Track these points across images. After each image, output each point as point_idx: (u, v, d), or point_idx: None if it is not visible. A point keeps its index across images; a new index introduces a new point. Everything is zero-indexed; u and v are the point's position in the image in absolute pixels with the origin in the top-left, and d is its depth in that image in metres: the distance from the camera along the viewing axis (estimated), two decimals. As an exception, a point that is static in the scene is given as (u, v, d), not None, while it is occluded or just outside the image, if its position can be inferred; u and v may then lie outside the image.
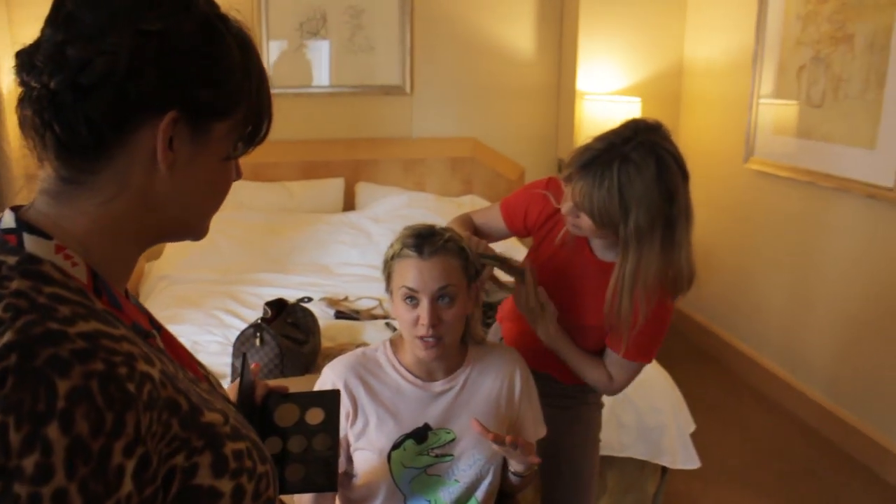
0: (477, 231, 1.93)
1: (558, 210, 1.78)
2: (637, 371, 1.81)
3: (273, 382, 1.24)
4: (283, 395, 1.19)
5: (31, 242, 0.75)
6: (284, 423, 1.17)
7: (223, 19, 0.83)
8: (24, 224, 0.76)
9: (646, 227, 1.53)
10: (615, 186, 1.50)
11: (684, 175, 1.57)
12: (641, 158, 1.50)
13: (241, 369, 1.16)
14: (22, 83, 0.77)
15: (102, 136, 0.76)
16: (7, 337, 0.66)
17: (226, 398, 0.93)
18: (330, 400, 1.20)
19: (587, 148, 1.56)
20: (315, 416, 1.18)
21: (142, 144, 0.78)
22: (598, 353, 1.83)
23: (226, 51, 0.82)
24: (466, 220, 1.95)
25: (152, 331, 0.85)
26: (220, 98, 0.81)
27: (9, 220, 0.77)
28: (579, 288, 1.78)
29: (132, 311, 0.83)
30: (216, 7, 0.84)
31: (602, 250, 1.76)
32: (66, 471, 0.63)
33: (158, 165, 0.79)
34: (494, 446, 1.48)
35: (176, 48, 0.77)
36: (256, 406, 1.16)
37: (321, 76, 4.42)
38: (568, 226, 1.69)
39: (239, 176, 0.91)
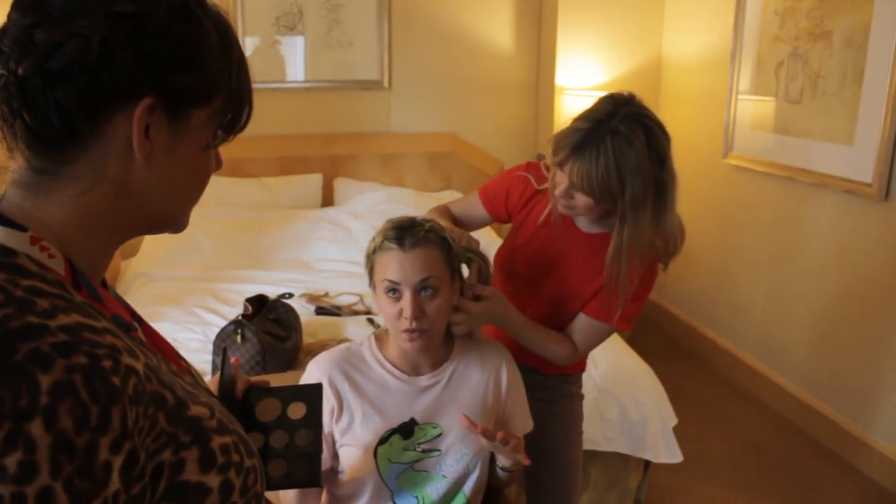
0: (455, 221, 1.93)
1: (538, 191, 1.81)
2: (605, 335, 1.81)
3: (254, 378, 1.21)
4: (265, 390, 1.16)
5: (4, 235, 0.72)
6: (266, 418, 1.14)
7: (200, 3, 0.80)
8: None
9: (640, 195, 1.56)
10: (612, 161, 1.53)
11: (667, 138, 1.61)
12: (630, 130, 1.53)
13: (221, 364, 1.14)
14: None
15: (75, 124, 0.73)
16: None
17: (209, 392, 0.91)
18: (312, 394, 1.18)
19: (574, 130, 1.58)
20: (297, 410, 1.16)
21: (117, 133, 0.74)
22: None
23: (203, 35, 0.78)
24: (444, 211, 1.95)
25: (133, 323, 0.83)
26: (198, 84, 0.78)
27: None
28: (563, 260, 1.79)
29: (112, 304, 0.81)
30: None
31: (587, 224, 1.77)
32: (50, 469, 0.60)
33: (135, 155, 0.76)
34: (483, 441, 1.47)
35: (150, 32, 0.74)
36: (237, 401, 1.13)
37: (298, 71, 4.39)
38: (559, 207, 1.70)
39: (219, 166, 0.88)
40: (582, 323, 1.79)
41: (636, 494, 2.80)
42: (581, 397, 2.02)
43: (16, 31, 0.71)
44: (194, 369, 0.95)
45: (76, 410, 0.62)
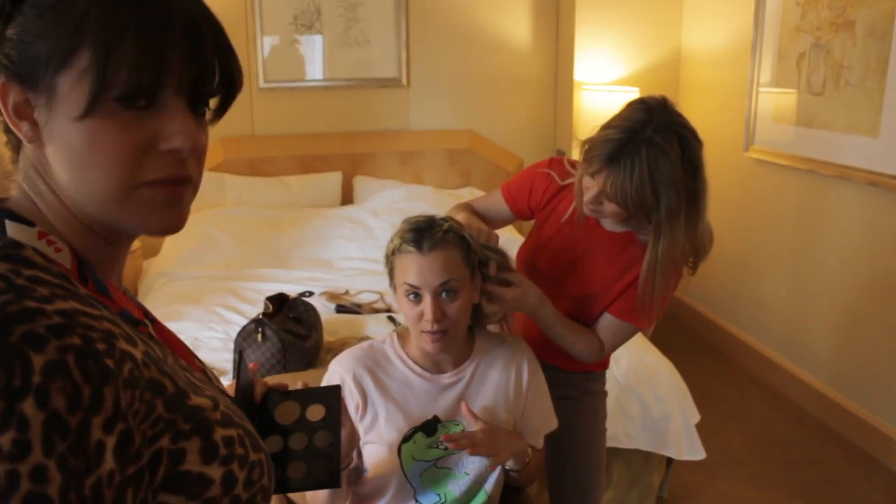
0: (479, 218, 1.91)
1: (563, 188, 1.79)
2: (630, 336, 1.80)
3: (272, 379, 1.22)
4: (283, 393, 1.17)
5: (13, 229, 0.74)
6: (285, 420, 1.15)
7: None
8: (6, 212, 0.76)
9: (675, 206, 1.54)
10: (647, 174, 1.50)
11: (700, 145, 1.58)
12: (665, 140, 1.50)
13: (237, 368, 1.14)
14: None
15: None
16: None
17: (221, 390, 0.91)
18: (331, 396, 1.18)
19: (607, 139, 1.54)
20: (316, 412, 1.16)
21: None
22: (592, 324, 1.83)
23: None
24: (467, 208, 1.94)
25: (144, 320, 0.83)
26: (44, 48, 0.71)
27: None
28: (586, 259, 1.78)
29: (122, 300, 0.81)
30: None
31: (612, 224, 1.75)
32: (43, 446, 0.61)
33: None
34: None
35: None
36: (255, 404, 1.14)
37: (316, 70, 4.40)
38: (586, 210, 1.68)
39: (172, 141, 0.74)
40: (607, 323, 1.77)
41: (658, 492, 2.78)
42: (604, 394, 2.01)
43: None
44: (210, 370, 0.95)
45: (68, 389, 0.63)
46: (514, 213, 1.91)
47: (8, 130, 0.77)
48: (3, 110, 0.73)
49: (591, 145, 1.58)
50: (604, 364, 1.96)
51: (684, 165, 1.52)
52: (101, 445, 0.64)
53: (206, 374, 0.91)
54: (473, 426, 1.53)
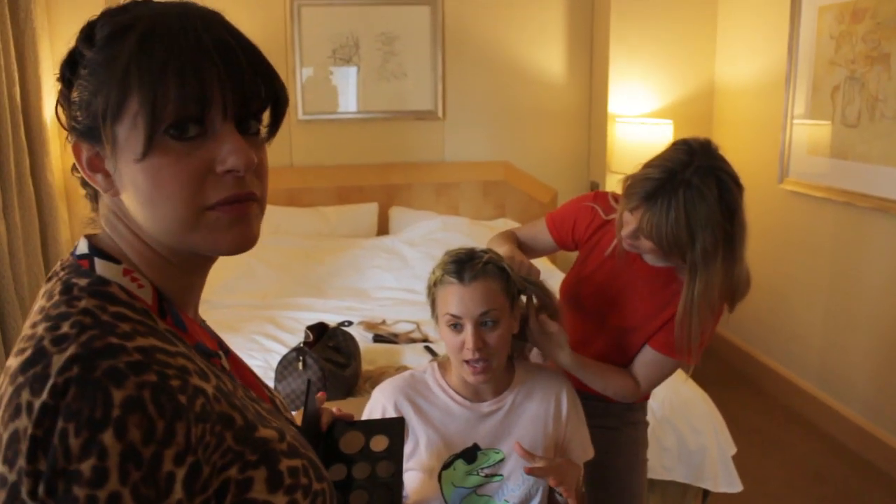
0: (521, 247, 1.95)
1: (606, 222, 1.82)
2: (667, 369, 1.79)
3: (338, 411, 1.25)
4: (349, 423, 1.21)
5: (101, 266, 0.80)
6: (349, 450, 1.18)
7: (133, 15, 0.78)
8: (96, 250, 0.82)
9: (711, 248, 1.55)
10: (682, 215, 1.52)
11: (740, 190, 1.60)
12: (703, 182, 1.53)
13: (305, 397, 1.18)
14: None
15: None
16: (71, 350, 0.70)
17: (289, 420, 0.95)
18: (394, 427, 1.22)
19: (647, 178, 1.57)
20: (379, 443, 1.20)
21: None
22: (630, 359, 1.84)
23: (101, 61, 0.77)
24: (511, 236, 1.97)
25: (218, 352, 0.88)
26: (95, 102, 0.77)
27: (82, 246, 0.83)
28: (628, 293, 1.80)
29: (198, 333, 0.86)
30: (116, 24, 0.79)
31: (653, 259, 1.76)
32: (119, 475, 0.66)
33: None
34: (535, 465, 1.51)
35: (69, 79, 0.81)
36: (322, 433, 1.17)
37: (354, 102, 4.49)
38: (625, 245, 1.70)
39: (228, 163, 0.77)
40: (648, 356, 1.78)
41: (695, 524, 2.77)
42: (645, 424, 2.03)
43: None
44: (279, 398, 1.00)
45: (144, 423, 0.68)
46: (557, 244, 1.95)
47: (85, 184, 0.84)
48: (79, 167, 0.81)
49: (631, 182, 1.61)
50: (645, 395, 1.96)
51: (721, 208, 1.54)
52: (172, 476, 0.69)
53: (275, 404, 0.95)
54: (516, 456, 1.56)
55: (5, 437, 0.69)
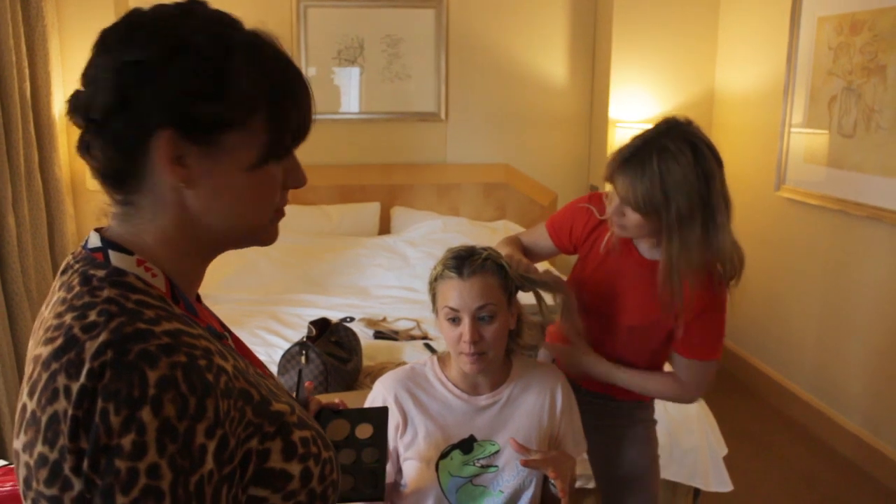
0: (525, 251, 2.00)
1: (601, 222, 1.87)
2: (708, 370, 1.84)
3: (324, 398, 1.31)
4: (335, 411, 1.27)
5: (115, 258, 0.85)
6: (336, 437, 1.24)
7: (225, 28, 0.86)
8: (108, 242, 0.87)
9: (686, 211, 1.61)
10: (656, 175, 1.59)
11: (718, 162, 1.65)
12: (677, 147, 1.60)
13: (296, 387, 1.24)
14: (75, 124, 0.87)
15: (123, 161, 0.84)
16: (103, 336, 0.76)
17: (288, 394, 1.02)
18: (378, 416, 1.28)
19: (625, 146, 1.66)
20: (364, 431, 1.26)
21: (159, 165, 0.83)
22: (654, 359, 1.90)
23: (223, 62, 0.83)
24: (515, 241, 2.03)
25: (224, 332, 0.95)
26: (222, 109, 0.83)
27: (94, 239, 0.88)
28: (629, 289, 1.84)
29: (206, 316, 0.93)
30: (221, 17, 0.86)
31: (649, 250, 1.81)
32: (157, 448, 0.73)
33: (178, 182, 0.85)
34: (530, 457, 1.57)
35: (158, 72, 0.81)
36: None
37: (357, 103, 4.54)
38: (613, 227, 1.76)
39: (300, 182, 0.93)
40: (681, 364, 1.84)
41: (686, 523, 2.82)
42: (654, 422, 2.06)
43: (76, 94, 0.85)
44: (275, 377, 1.06)
45: (178, 400, 0.75)
46: (557, 248, 2.00)
47: (106, 176, 0.86)
48: (164, 155, 0.82)
49: (611, 154, 1.69)
50: (697, 394, 1.97)
51: (697, 173, 1.60)
52: (204, 448, 0.76)
53: (275, 382, 1.01)
54: (510, 448, 1.61)
55: (44, 419, 0.75)
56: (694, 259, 1.65)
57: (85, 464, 0.73)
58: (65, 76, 3.68)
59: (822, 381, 3.78)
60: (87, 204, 3.87)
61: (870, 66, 3.32)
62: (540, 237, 2.02)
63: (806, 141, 3.80)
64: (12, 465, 2.04)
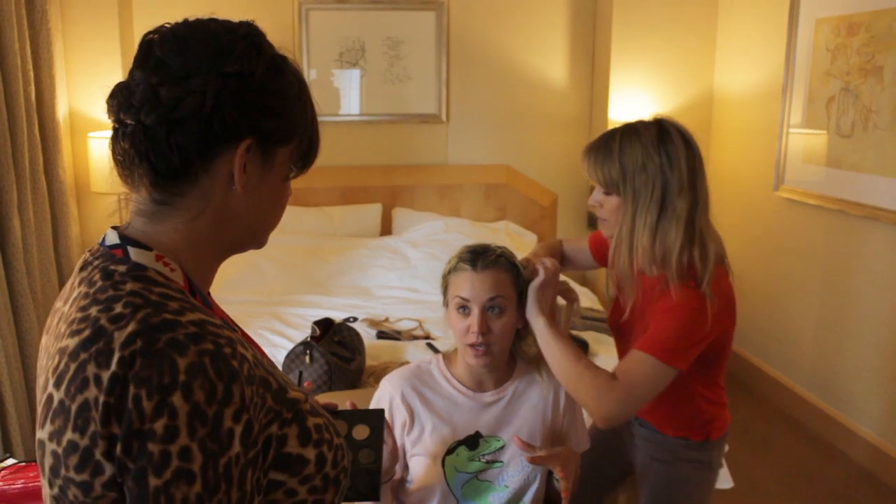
0: (564, 256, 2.03)
1: None
2: (652, 372, 1.61)
3: (323, 399, 1.35)
4: (333, 413, 1.29)
5: (135, 254, 0.89)
6: None
7: (284, 59, 0.96)
8: (127, 239, 0.90)
9: (642, 187, 1.63)
10: (616, 150, 1.65)
11: (690, 149, 1.64)
12: (644, 127, 1.64)
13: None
14: (117, 121, 0.90)
15: (190, 162, 0.88)
16: (131, 327, 0.80)
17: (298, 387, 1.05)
18: (375, 418, 1.31)
19: (602, 134, 1.71)
20: (361, 432, 1.29)
21: (221, 168, 0.90)
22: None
23: (287, 87, 0.94)
24: (556, 245, 2.05)
25: (236, 327, 0.99)
26: (283, 127, 0.93)
27: (112, 237, 0.92)
28: (639, 310, 1.80)
29: (219, 311, 0.98)
30: (275, 49, 0.96)
31: (650, 270, 1.72)
32: (188, 431, 0.77)
33: (235, 187, 0.91)
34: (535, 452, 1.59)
35: (250, 86, 0.89)
36: None
37: (358, 104, 4.57)
38: (600, 225, 1.78)
39: (289, 194, 1.03)
40: (627, 355, 1.67)
41: (687, 519, 2.84)
42: (709, 465, 1.89)
43: (144, 89, 0.87)
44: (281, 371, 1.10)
45: (206, 386, 0.78)
46: (597, 261, 2.02)
47: (162, 174, 0.89)
48: (237, 161, 0.89)
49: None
50: (707, 434, 1.85)
51: (658, 151, 1.61)
52: (231, 432, 0.80)
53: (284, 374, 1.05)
54: (516, 444, 1.64)
55: (74, 407, 0.78)
56: (645, 239, 1.63)
57: (118, 448, 0.76)
58: (69, 80, 3.71)
59: (822, 380, 3.81)
60: (91, 207, 3.90)
61: (867, 67, 3.35)
62: (581, 248, 2.04)
63: (804, 141, 3.83)
64: (22, 464, 2.07)
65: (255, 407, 0.83)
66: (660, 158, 1.61)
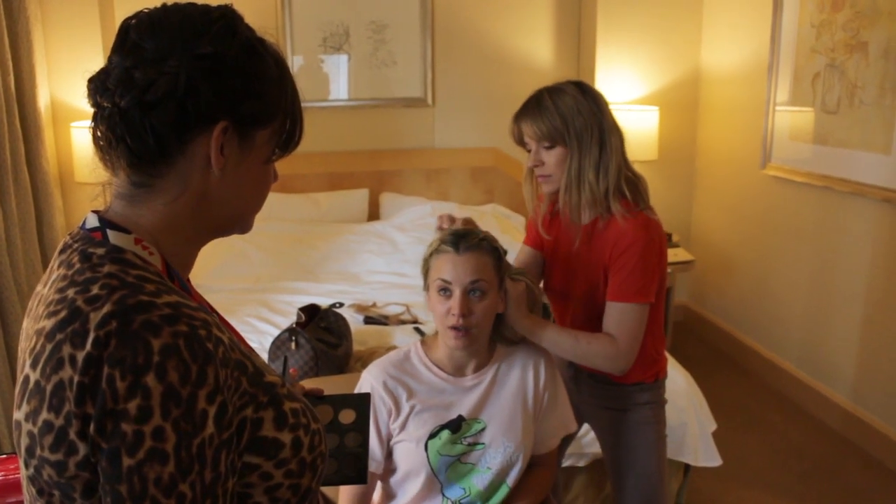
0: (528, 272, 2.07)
1: (551, 205, 1.99)
2: (638, 317, 1.78)
3: (308, 384, 1.34)
4: (319, 397, 1.29)
5: (114, 236, 0.89)
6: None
7: (262, 42, 0.95)
8: (106, 222, 0.91)
9: (583, 129, 1.80)
10: (551, 106, 1.81)
11: (603, 98, 1.87)
12: (561, 86, 1.83)
13: (282, 373, 1.26)
14: (95, 104, 0.90)
15: (165, 144, 0.88)
16: (106, 308, 0.80)
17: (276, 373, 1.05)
18: (361, 402, 1.31)
19: (526, 99, 1.88)
20: (347, 416, 1.28)
21: (198, 151, 0.90)
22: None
23: (265, 69, 0.93)
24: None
25: (213, 311, 0.98)
26: (261, 109, 0.93)
27: (92, 220, 0.92)
28: (574, 256, 1.93)
29: (197, 296, 0.97)
30: (254, 31, 0.95)
31: (582, 217, 1.89)
32: (161, 412, 0.77)
33: (212, 169, 0.91)
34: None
35: (225, 68, 0.89)
36: None
37: (344, 89, 4.55)
38: (543, 188, 1.90)
39: (276, 179, 1.03)
40: (610, 311, 1.81)
41: (677, 498, 2.86)
42: (661, 403, 2.04)
43: (118, 72, 0.88)
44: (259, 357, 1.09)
45: (180, 367, 0.78)
46: (537, 248, 2.06)
47: (139, 156, 0.89)
48: (214, 145, 0.89)
49: (512, 118, 1.91)
50: (656, 374, 2.00)
51: (587, 99, 1.81)
52: (205, 413, 0.80)
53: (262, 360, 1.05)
54: (496, 424, 1.64)
55: (49, 387, 0.79)
56: (591, 175, 1.80)
57: (91, 428, 0.76)
58: (49, 69, 3.67)
59: (810, 355, 3.82)
60: (76, 197, 3.87)
61: (852, 42, 3.34)
62: (525, 253, 2.09)
63: (791, 119, 3.82)
64: (3, 456, 2.06)
65: (229, 389, 0.83)
66: (588, 104, 1.81)
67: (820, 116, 3.58)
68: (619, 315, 1.79)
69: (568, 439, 2.17)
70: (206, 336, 0.82)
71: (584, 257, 1.89)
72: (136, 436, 0.76)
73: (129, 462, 0.76)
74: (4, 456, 1.93)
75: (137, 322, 0.79)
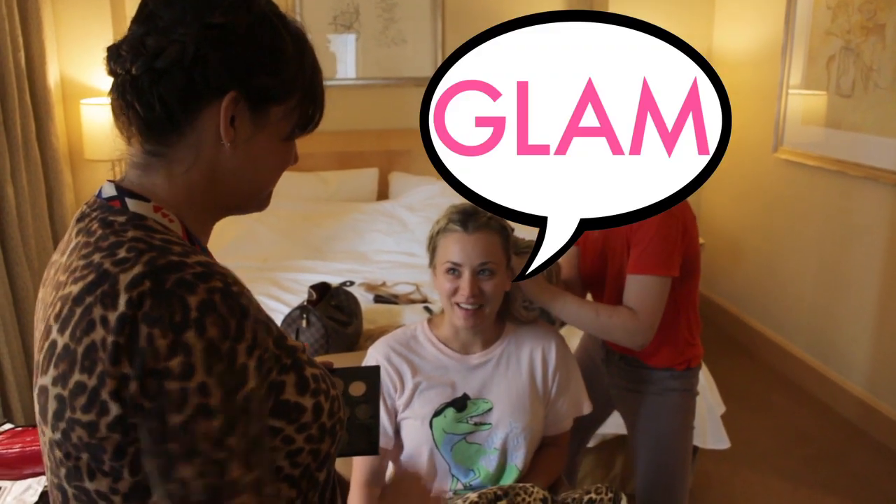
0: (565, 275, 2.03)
1: None
2: (658, 290, 1.73)
3: (319, 359, 1.34)
4: (329, 370, 1.29)
5: (133, 204, 0.89)
6: None
7: (281, 17, 0.95)
8: (124, 190, 0.91)
9: None
10: None
11: None
12: None
13: None
14: (111, 72, 0.91)
15: (174, 113, 0.88)
16: (137, 269, 0.79)
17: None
18: (371, 374, 1.31)
19: None
20: (357, 388, 1.28)
21: (208, 122, 0.89)
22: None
23: (281, 44, 0.93)
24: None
25: None
26: (275, 84, 0.92)
27: (109, 189, 0.92)
28: (603, 242, 1.90)
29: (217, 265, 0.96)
30: (275, 7, 0.95)
31: None
32: (204, 368, 0.77)
33: (223, 141, 0.90)
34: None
35: (236, 39, 0.89)
36: None
37: (354, 68, 4.52)
38: None
39: (295, 160, 1.01)
40: (629, 284, 1.76)
41: (684, 480, 2.86)
42: (692, 392, 2.00)
43: (132, 39, 0.88)
44: None
45: (219, 322, 0.78)
46: (577, 245, 2.00)
47: (150, 124, 0.90)
48: (223, 114, 0.89)
49: None
50: (689, 361, 1.95)
51: None
52: (245, 367, 0.80)
53: None
54: (503, 404, 1.64)
55: (80, 350, 0.78)
56: None
57: (132, 388, 0.76)
58: (59, 46, 3.66)
59: (819, 341, 3.81)
60: (85, 174, 3.87)
61: (868, 24, 3.30)
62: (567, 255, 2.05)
63: (804, 102, 3.79)
64: (19, 429, 2.07)
65: (262, 347, 0.83)
66: None
67: (834, 100, 3.55)
68: (638, 287, 1.74)
69: (591, 427, 2.18)
70: (239, 292, 0.82)
71: (610, 239, 1.87)
72: (181, 393, 0.76)
73: (176, 420, 0.76)
74: (20, 428, 1.95)
75: (171, 281, 0.78)
